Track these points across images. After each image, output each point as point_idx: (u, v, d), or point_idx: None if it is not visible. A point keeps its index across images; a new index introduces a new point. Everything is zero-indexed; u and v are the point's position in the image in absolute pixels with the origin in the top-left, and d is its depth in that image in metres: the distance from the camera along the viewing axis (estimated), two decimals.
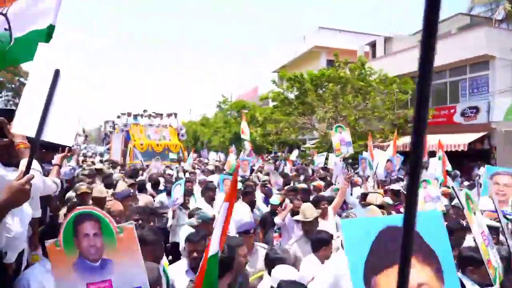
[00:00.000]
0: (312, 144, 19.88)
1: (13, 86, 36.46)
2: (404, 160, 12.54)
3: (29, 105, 1.80)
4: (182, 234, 4.45)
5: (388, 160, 8.62)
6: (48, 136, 1.76)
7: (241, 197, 5.87)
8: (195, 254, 3.04)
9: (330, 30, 27.01)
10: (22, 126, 1.82)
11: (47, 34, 2.80)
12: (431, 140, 13.34)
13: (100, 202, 4.60)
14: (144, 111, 17.38)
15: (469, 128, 15.63)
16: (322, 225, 4.58)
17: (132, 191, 5.45)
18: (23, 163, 1.90)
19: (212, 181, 7.32)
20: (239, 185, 7.53)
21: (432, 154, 11.03)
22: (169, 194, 6.54)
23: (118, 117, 17.89)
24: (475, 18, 21.33)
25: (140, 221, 3.77)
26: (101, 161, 14.54)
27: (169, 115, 17.68)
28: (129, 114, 16.96)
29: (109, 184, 6.65)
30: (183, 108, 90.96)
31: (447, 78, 17.78)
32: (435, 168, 9.30)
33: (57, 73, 1.78)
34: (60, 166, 3.44)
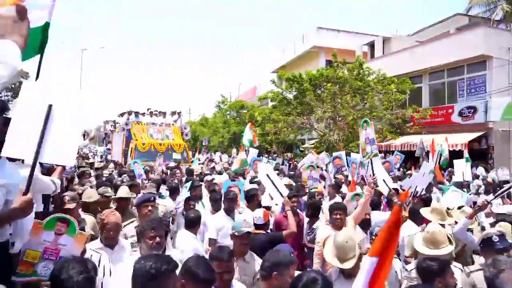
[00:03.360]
0: (311, 144, 19.96)
1: (12, 86, 36.51)
2: (404, 159, 12.62)
3: (22, 132, 2.00)
4: (179, 241, 4.07)
5: (386, 161, 8.66)
6: (47, 158, 1.98)
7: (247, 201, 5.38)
8: (226, 276, 2.63)
9: (329, 30, 27.09)
10: (17, 150, 2.01)
11: (43, 31, 2.89)
12: (435, 140, 13.15)
13: (88, 207, 4.30)
14: (148, 109, 16.72)
15: (467, 128, 15.72)
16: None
17: (154, 195, 4.55)
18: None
19: (216, 183, 6.95)
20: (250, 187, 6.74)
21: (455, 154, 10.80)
22: (172, 195, 6.15)
23: (120, 115, 17.39)
24: (473, 18, 21.42)
25: (157, 239, 2.87)
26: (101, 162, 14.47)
27: (172, 114, 17.15)
28: (130, 113, 16.32)
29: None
30: (183, 108, 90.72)
31: (445, 78, 17.88)
32: (463, 172, 8.94)
33: (50, 108, 2.00)
34: (64, 168, 3.42)
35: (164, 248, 3.06)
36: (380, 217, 4.90)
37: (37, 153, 1.96)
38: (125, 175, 8.00)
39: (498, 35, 16.53)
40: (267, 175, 4.72)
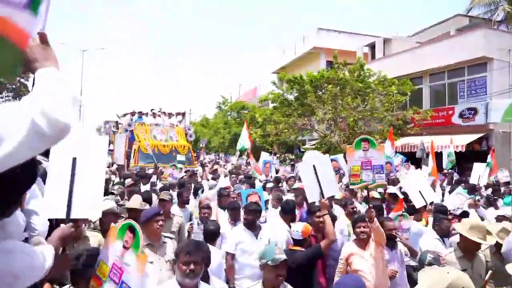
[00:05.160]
0: (312, 145, 20.00)
1: (13, 86, 36.61)
2: (405, 160, 12.67)
3: (54, 190, 2.05)
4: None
5: (387, 162, 8.65)
6: (75, 213, 2.00)
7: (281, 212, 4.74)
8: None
9: (329, 31, 27.15)
10: (52, 211, 2.07)
11: None
12: (435, 141, 13.18)
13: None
14: (151, 110, 16.27)
15: (467, 129, 15.76)
16: (358, 260, 3.71)
17: (161, 210, 3.86)
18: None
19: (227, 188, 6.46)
20: (266, 195, 6.21)
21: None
22: (182, 204, 5.73)
23: (123, 116, 17.05)
24: (474, 19, 21.47)
25: (191, 266, 2.49)
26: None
27: (177, 114, 16.79)
28: (133, 113, 15.87)
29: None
30: (184, 109, 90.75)
31: (446, 80, 17.93)
32: (479, 175, 8.84)
33: (74, 161, 2.05)
34: None
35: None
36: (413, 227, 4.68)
37: (69, 211, 1.97)
38: (129, 179, 7.60)
39: (499, 36, 16.59)
40: (314, 166, 3.93)
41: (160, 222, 3.53)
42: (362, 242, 3.77)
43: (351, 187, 5.07)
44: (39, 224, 2.43)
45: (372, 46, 23.39)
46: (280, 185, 8.44)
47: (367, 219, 3.72)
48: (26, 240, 2.37)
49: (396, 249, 4.08)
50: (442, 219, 4.61)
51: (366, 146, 4.12)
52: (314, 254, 3.60)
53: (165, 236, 3.71)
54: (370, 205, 4.15)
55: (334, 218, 4.63)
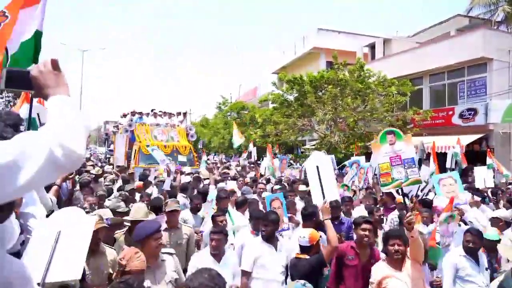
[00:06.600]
0: (312, 146, 20.02)
1: None
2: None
3: (33, 254, 2.03)
4: (197, 265, 3.21)
5: None
6: (55, 277, 1.96)
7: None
8: None
9: (329, 32, 27.15)
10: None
11: (35, 40, 2.99)
12: (436, 142, 13.13)
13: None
14: (152, 110, 16.18)
15: (467, 130, 15.76)
16: (394, 283, 3.19)
17: (161, 224, 3.51)
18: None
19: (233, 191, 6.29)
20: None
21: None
22: (194, 211, 5.44)
23: (123, 116, 17.01)
24: (473, 20, 21.48)
25: None
26: (101, 166, 13.80)
27: (178, 114, 16.71)
28: (133, 113, 15.78)
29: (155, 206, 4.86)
30: (183, 109, 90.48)
31: (445, 80, 17.95)
32: (484, 178, 8.68)
33: (58, 234, 2.05)
34: (59, 187, 3.48)
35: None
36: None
37: (45, 276, 1.94)
38: (140, 182, 7.31)
39: (499, 37, 16.61)
40: (317, 167, 3.75)
41: (160, 241, 3.10)
42: (395, 262, 3.28)
43: (382, 189, 4.55)
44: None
45: (372, 47, 23.39)
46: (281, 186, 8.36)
47: (404, 227, 3.19)
48: (23, 243, 2.40)
49: (425, 265, 3.70)
50: (464, 233, 3.87)
51: (392, 139, 3.57)
52: (317, 263, 3.38)
53: (163, 253, 3.24)
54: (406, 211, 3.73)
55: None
